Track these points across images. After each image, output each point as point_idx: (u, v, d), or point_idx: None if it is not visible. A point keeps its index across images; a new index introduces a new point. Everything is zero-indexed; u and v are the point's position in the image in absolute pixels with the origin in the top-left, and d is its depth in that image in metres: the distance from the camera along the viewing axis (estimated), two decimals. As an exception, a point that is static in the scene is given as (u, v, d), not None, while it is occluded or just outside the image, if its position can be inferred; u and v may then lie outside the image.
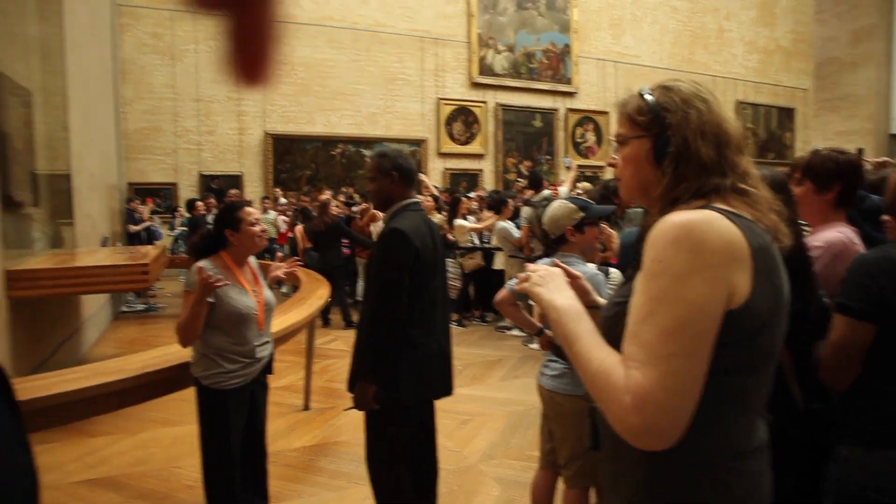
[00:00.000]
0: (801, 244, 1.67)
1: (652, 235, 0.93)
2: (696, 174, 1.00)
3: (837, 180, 1.86)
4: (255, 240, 2.42)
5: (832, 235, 1.78)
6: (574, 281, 1.27)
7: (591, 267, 2.35)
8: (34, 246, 4.84)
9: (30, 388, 2.26)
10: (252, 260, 2.57)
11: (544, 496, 2.49)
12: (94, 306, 6.39)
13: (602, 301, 1.33)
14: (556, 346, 2.29)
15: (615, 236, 3.46)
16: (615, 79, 13.09)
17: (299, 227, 7.62)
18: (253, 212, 2.45)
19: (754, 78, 14.76)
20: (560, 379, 2.29)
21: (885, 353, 1.41)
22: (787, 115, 15.21)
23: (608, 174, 13.08)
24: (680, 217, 0.92)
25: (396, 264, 2.20)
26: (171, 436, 3.78)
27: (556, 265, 1.24)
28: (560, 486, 2.42)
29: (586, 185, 7.00)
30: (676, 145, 1.01)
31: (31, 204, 5.00)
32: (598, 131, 13.04)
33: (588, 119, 12.93)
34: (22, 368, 3.86)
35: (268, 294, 2.53)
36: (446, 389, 2.44)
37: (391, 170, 2.33)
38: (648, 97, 1.07)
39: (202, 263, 2.32)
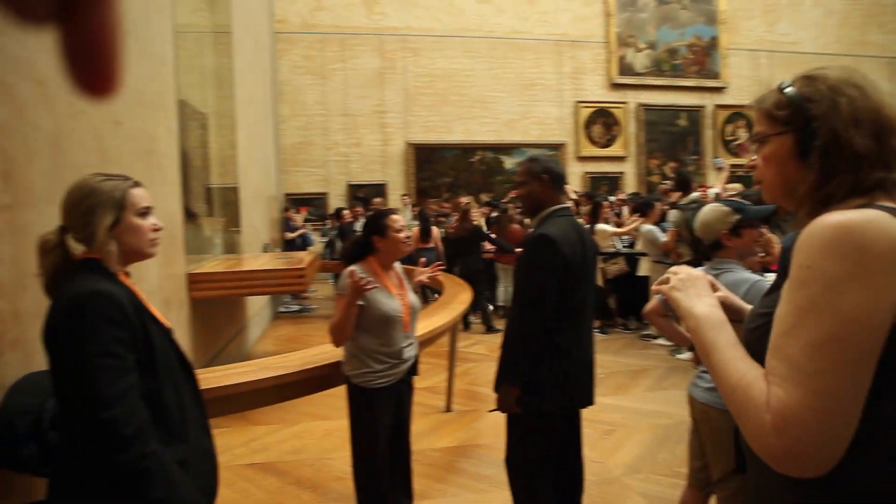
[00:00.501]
0: None
1: (801, 239, 0.84)
2: (850, 167, 0.88)
3: None
4: (400, 245, 2.53)
5: None
6: (721, 295, 1.14)
7: (751, 274, 2.19)
8: (208, 252, 5.43)
9: (206, 379, 2.52)
10: (397, 265, 2.69)
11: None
12: (257, 306, 7.02)
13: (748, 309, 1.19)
14: None
15: (775, 240, 3.18)
16: (770, 70, 12.06)
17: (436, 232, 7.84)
18: (398, 219, 2.57)
19: (944, 58, 12.91)
20: (715, 392, 2.14)
21: None
22: None
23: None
24: (836, 217, 0.82)
25: (543, 270, 2.20)
26: (324, 429, 4.04)
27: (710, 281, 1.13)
28: (713, 506, 2.26)
29: (737, 185, 6.50)
30: (824, 137, 0.90)
31: (207, 214, 5.61)
32: (750, 128, 12.07)
33: (739, 115, 12.03)
34: (199, 361, 4.33)
35: (412, 298, 2.63)
36: (589, 399, 2.40)
37: (541, 173, 2.33)
38: (788, 90, 0.96)
39: (354, 268, 2.46)
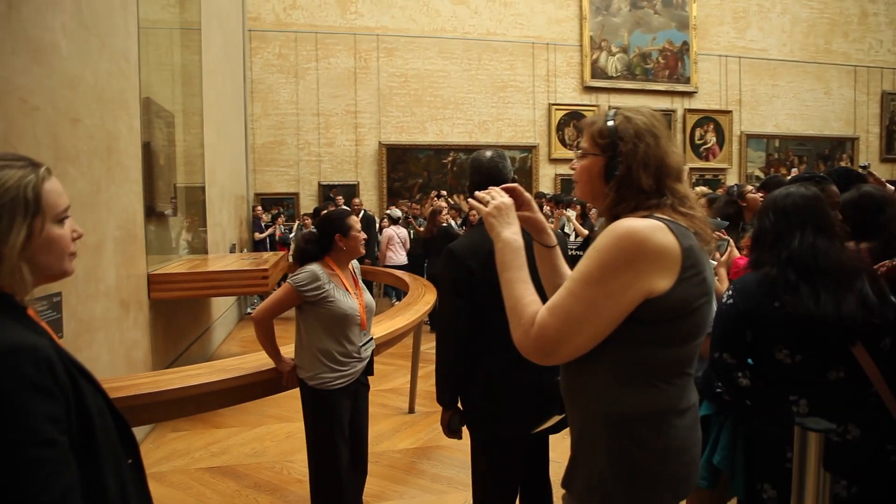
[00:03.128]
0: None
1: (603, 232, 1.16)
2: (634, 197, 1.21)
3: None
4: (359, 245, 2.60)
5: None
6: (534, 215, 1.44)
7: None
8: (173, 252, 5.36)
9: (163, 380, 2.51)
10: (353, 264, 2.72)
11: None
12: (223, 307, 6.96)
13: (555, 241, 1.48)
14: None
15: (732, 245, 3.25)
16: (739, 75, 12.29)
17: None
18: (357, 220, 2.64)
19: (906, 66, 13.26)
20: None
21: None
22: (946, 106, 13.52)
23: (731, 177, 12.30)
24: (630, 223, 1.14)
25: (447, 286, 2.02)
26: (286, 431, 4.02)
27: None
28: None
29: (704, 188, 6.60)
30: (621, 171, 1.21)
31: (172, 214, 5.54)
32: (718, 131, 12.29)
33: (708, 119, 12.23)
34: (160, 362, 4.28)
35: (367, 297, 2.68)
36: (534, 425, 1.99)
37: (470, 175, 2.14)
38: (610, 123, 1.24)
39: (312, 267, 2.48)
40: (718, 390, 1.77)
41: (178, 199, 5.81)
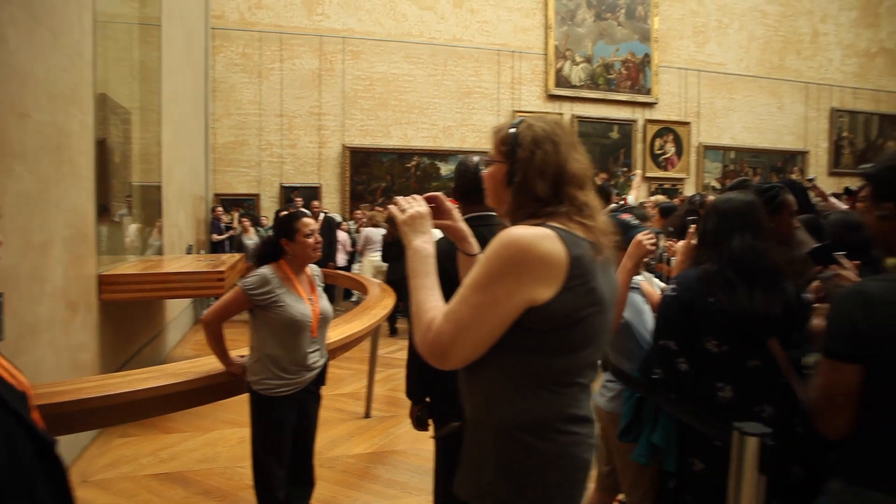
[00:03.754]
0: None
1: (494, 239, 1.17)
2: (531, 204, 1.24)
3: None
4: (308, 250, 2.49)
5: None
6: (455, 224, 1.48)
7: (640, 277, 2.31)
8: (126, 252, 5.23)
9: (109, 384, 2.44)
10: (312, 268, 2.66)
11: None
12: (177, 310, 6.81)
13: (476, 249, 1.50)
14: (612, 366, 2.23)
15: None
16: (698, 88, 12.63)
17: None
18: (309, 223, 2.52)
19: (853, 83, 13.79)
20: (617, 401, 2.23)
21: (871, 393, 1.27)
22: (890, 122, 14.11)
23: (689, 187, 12.61)
24: (516, 231, 1.17)
25: None
26: (238, 436, 3.96)
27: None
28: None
29: (660, 197, 6.76)
30: (518, 179, 1.24)
31: (126, 213, 5.41)
32: (678, 142, 12.60)
33: (668, 130, 12.52)
34: (109, 365, 4.17)
35: (324, 304, 2.61)
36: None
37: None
38: (512, 130, 1.28)
39: (263, 270, 2.44)
40: (655, 376, 1.93)
41: (134, 198, 5.67)
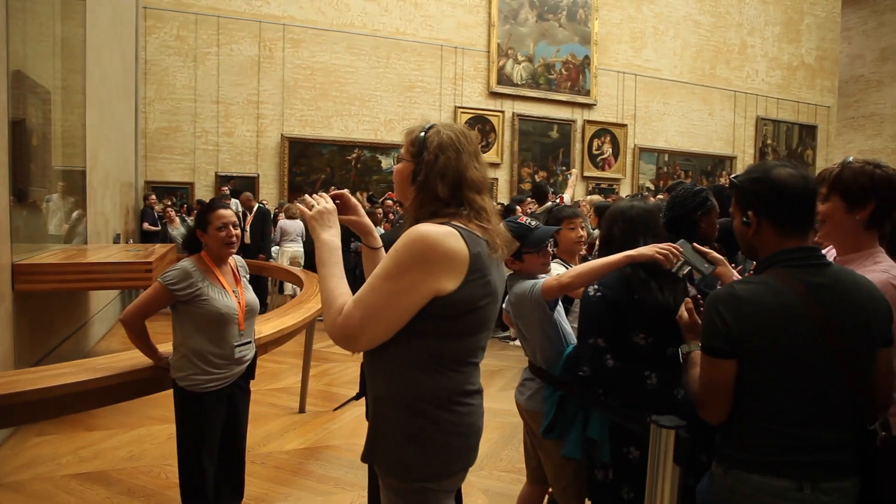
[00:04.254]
0: None
1: (402, 234, 1.30)
2: (432, 203, 1.36)
3: (871, 197, 1.65)
4: (221, 245, 2.40)
5: (875, 277, 1.55)
6: (360, 220, 1.60)
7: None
8: (46, 240, 4.94)
9: (21, 380, 2.30)
10: (235, 259, 2.58)
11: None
12: (104, 302, 6.50)
13: (378, 243, 1.62)
14: (534, 367, 2.27)
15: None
16: (634, 91, 13.02)
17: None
18: (224, 214, 2.41)
19: (777, 94, 14.57)
20: (536, 399, 2.26)
21: (743, 384, 1.40)
22: (809, 132, 15.00)
23: (625, 188, 13.01)
24: (424, 228, 1.29)
25: None
26: (167, 433, 3.81)
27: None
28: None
29: (595, 197, 6.94)
30: (421, 179, 1.37)
31: (46, 199, 5.10)
32: (615, 143, 12.97)
33: (605, 131, 12.87)
34: (24, 360, 3.93)
35: (249, 296, 2.54)
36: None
37: None
38: (422, 134, 1.40)
39: (184, 263, 2.35)
40: (582, 373, 2.02)
41: (55, 183, 5.36)
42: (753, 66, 14.36)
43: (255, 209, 8.18)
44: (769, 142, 14.42)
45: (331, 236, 1.43)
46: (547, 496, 2.58)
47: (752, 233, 1.47)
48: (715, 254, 1.95)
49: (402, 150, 1.45)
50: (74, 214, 5.65)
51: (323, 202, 1.47)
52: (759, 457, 1.38)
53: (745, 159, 14.07)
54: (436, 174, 1.35)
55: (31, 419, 2.59)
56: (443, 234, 1.28)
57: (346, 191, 1.60)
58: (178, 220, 8.63)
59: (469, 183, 1.37)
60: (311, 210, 1.46)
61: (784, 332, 1.35)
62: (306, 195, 1.53)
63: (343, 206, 1.56)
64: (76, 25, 5.77)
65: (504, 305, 2.30)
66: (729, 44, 14.05)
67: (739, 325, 1.36)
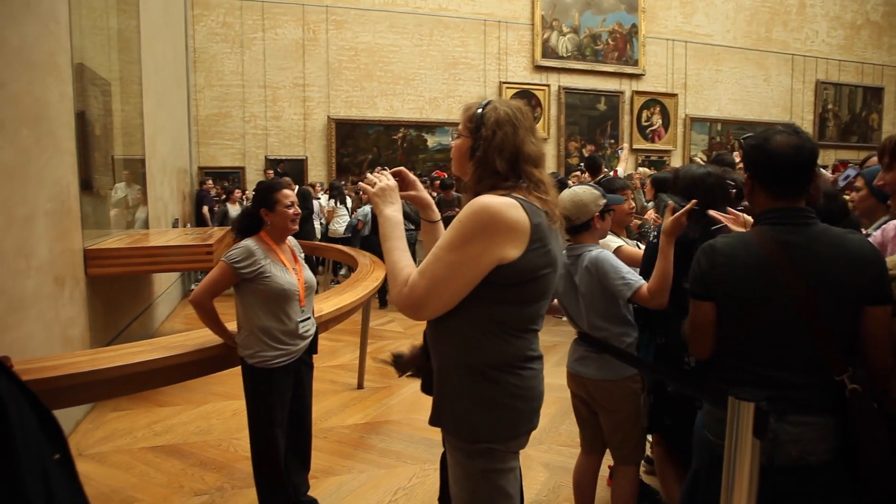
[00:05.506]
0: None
1: (467, 205, 1.35)
2: (490, 177, 1.40)
3: None
4: (287, 222, 2.49)
5: None
6: (419, 194, 1.65)
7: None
8: (112, 226, 5.15)
9: (100, 358, 2.42)
10: (291, 240, 2.65)
11: (587, 480, 2.48)
12: (166, 284, 6.75)
13: (437, 216, 1.68)
14: (583, 334, 2.29)
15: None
16: (685, 59, 12.58)
17: None
18: (290, 194, 2.52)
19: (838, 55, 13.83)
20: (604, 369, 2.28)
21: (720, 326, 1.57)
22: (874, 95, 14.21)
23: (676, 159, 12.64)
24: (486, 199, 1.33)
25: None
26: (232, 409, 3.96)
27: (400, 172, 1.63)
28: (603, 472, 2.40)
29: (645, 170, 6.77)
30: (479, 154, 1.41)
31: (109, 187, 5.31)
32: (664, 114, 12.59)
33: (655, 101, 12.50)
34: (99, 340, 4.13)
35: (307, 273, 2.62)
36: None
37: None
38: (479, 111, 1.45)
39: (247, 242, 2.42)
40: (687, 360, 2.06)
41: (117, 171, 5.57)
42: (813, 27, 13.64)
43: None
44: (830, 106, 13.74)
45: (393, 211, 1.47)
46: (609, 469, 2.58)
47: (748, 192, 1.60)
48: (722, 215, 1.99)
49: (460, 127, 1.49)
50: (131, 201, 5.87)
51: (385, 179, 1.52)
52: (732, 389, 1.50)
53: (803, 126, 13.31)
54: (494, 149, 1.39)
55: (110, 395, 2.71)
56: (505, 204, 1.32)
57: (402, 168, 1.65)
58: (238, 198, 8.81)
59: (526, 157, 1.41)
60: (373, 187, 1.51)
61: (748, 281, 1.48)
62: (368, 173, 1.57)
63: (402, 183, 1.61)
64: (130, 17, 5.93)
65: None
66: (786, 4, 13.37)
67: (712, 271, 1.54)
